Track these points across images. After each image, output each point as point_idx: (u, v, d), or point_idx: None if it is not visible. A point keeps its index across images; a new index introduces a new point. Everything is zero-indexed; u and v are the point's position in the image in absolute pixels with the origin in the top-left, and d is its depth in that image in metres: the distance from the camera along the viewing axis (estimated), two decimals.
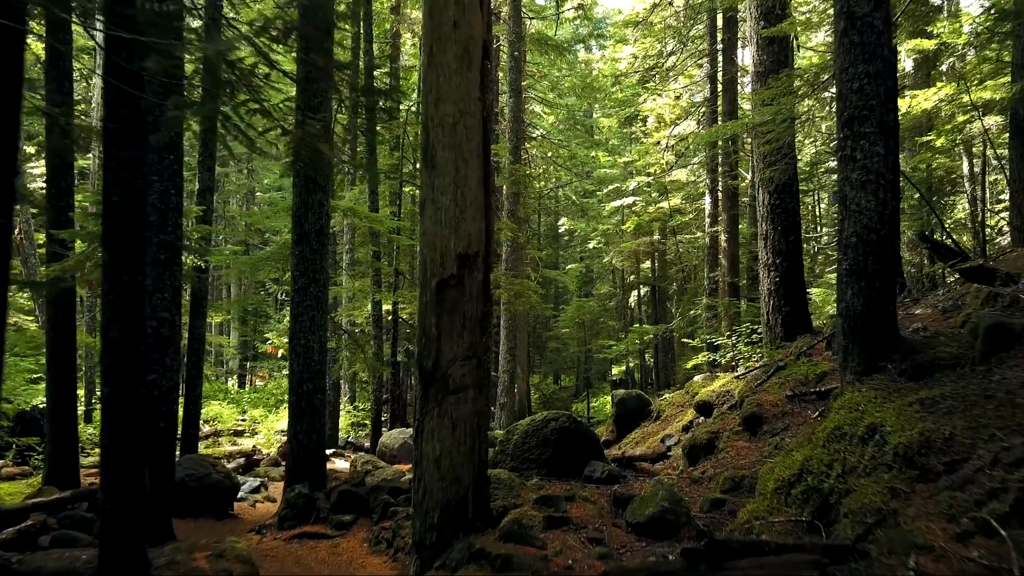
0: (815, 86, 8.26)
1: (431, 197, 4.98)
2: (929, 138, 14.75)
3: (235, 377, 28.68)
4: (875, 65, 5.05)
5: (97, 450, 12.31)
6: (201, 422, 20.29)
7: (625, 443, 10.63)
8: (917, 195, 13.78)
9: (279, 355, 24.15)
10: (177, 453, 12.91)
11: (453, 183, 4.94)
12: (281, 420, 20.81)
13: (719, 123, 19.22)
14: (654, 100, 22.33)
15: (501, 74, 22.14)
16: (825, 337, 8.33)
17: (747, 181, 21.34)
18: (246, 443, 17.92)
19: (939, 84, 13.34)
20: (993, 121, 14.48)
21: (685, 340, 19.66)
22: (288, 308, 20.04)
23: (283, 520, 8.69)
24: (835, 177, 20.12)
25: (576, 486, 6.50)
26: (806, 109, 9.56)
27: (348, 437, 19.53)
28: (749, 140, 21.89)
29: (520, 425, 7.36)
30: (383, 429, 17.60)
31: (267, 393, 26.56)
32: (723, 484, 5.96)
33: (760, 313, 17.43)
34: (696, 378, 13.70)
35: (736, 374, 9.65)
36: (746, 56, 21.88)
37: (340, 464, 16.37)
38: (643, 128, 25.99)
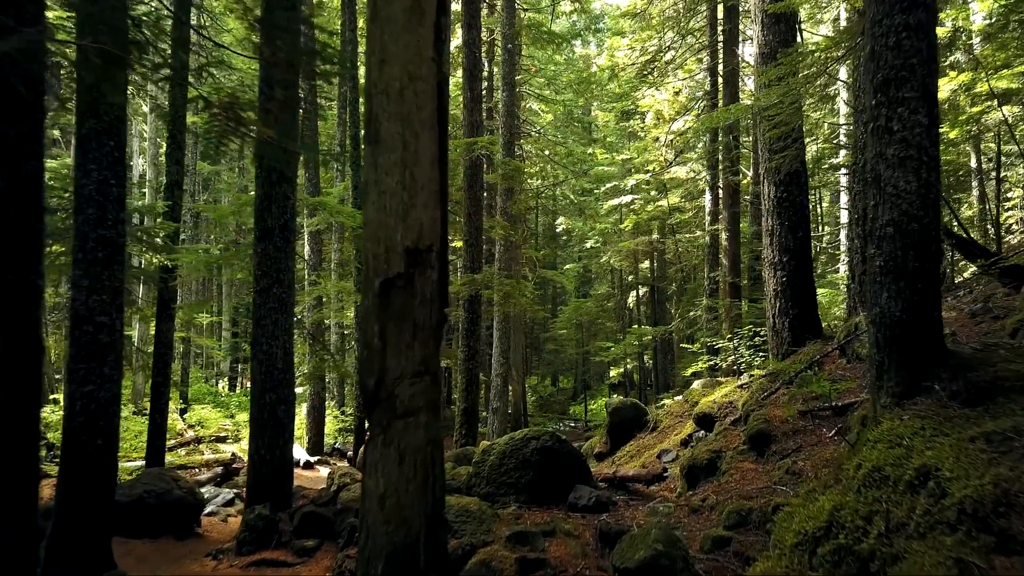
0: (827, 64, 7.34)
1: (374, 179, 4.05)
2: (941, 131, 13.85)
3: (226, 379, 27.80)
4: (915, 15, 4.13)
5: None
6: (185, 427, 19.45)
7: (619, 456, 9.72)
8: None
9: None
10: (142, 465, 12.08)
11: (400, 162, 4.01)
12: None
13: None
14: (652, 96, 21.42)
15: (496, 69, 21.23)
16: (839, 344, 7.41)
17: (748, 178, 20.42)
18: (227, 450, 17.03)
19: (952, 73, 12.44)
20: (1010, 112, 13.56)
21: (684, 345, 18.75)
22: (306, 308, 19.16)
23: (241, 545, 7.78)
24: (842, 172, 19.18)
25: (559, 516, 5.59)
26: (814, 94, 8.65)
27: (335, 443, 18.65)
28: (750, 138, 20.97)
29: (498, 444, 6.44)
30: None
31: None
32: (727, 517, 5.04)
33: (765, 316, 16.55)
34: (695, 384, 12.79)
35: (739, 382, 8.74)
36: (747, 50, 20.98)
37: (322, 472, 15.48)
38: (642, 125, 25.08)
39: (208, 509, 10.65)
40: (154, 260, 10.35)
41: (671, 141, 19.52)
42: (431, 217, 4.15)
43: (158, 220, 10.47)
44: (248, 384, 27.58)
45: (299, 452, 17.08)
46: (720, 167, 17.69)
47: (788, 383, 7.67)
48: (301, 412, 19.19)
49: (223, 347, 26.81)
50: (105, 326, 6.86)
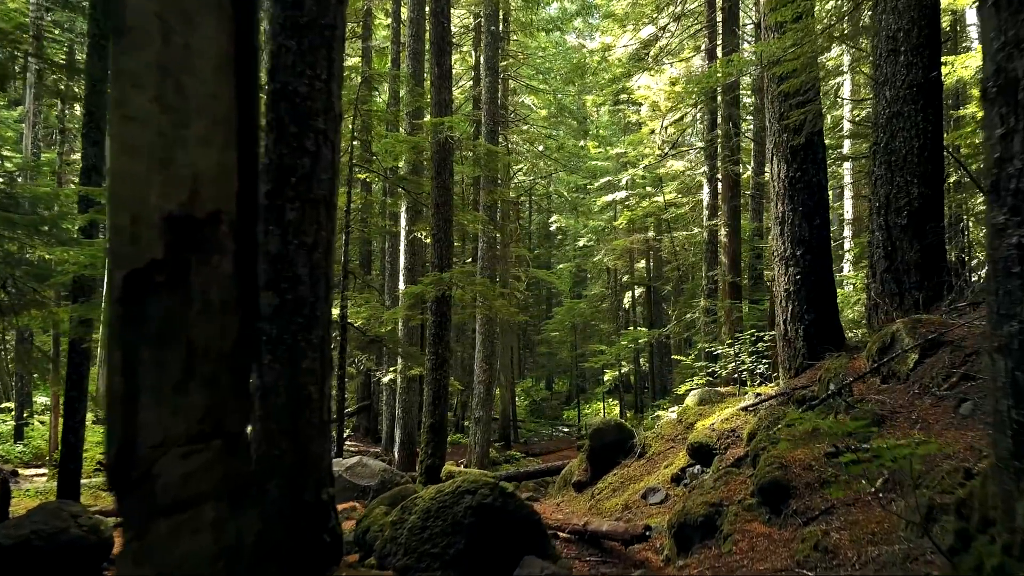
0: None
1: (118, 98, 2.28)
2: (967, 111, 12.09)
3: None
4: None
5: None
6: None
7: (600, 488, 7.96)
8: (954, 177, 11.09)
9: None
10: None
11: (157, 66, 2.21)
12: None
13: (719, 101, 16.55)
14: (647, 87, 19.65)
15: (479, 54, 19.50)
16: (878, 363, 5.64)
17: (749, 172, 18.68)
18: None
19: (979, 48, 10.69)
20: None
21: (676, 357, 16.94)
22: None
23: None
24: (846, 168, 17.37)
25: None
26: (841, 36, 6.91)
27: None
28: (752, 127, 19.23)
29: (421, 499, 4.70)
30: (344, 447, 14.98)
31: None
32: None
33: (773, 320, 14.76)
34: (690, 397, 11.06)
35: (743, 403, 6.98)
36: (748, 33, 19.22)
37: None
38: (637, 116, 23.31)
39: (111, 552, 8.91)
40: (59, 256, 8.63)
41: (667, 128, 17.75)
42: (218, 163, 2.33)
43: (57, 209, 8.73)
44: None
45: None
46: (719, 157, 15.93)
47: (806, 407, 5.91)
48: None
49: None
50: None
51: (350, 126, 12.58)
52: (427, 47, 13.05)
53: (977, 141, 10.60)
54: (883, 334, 5.90)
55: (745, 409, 6.76)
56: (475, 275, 17.01)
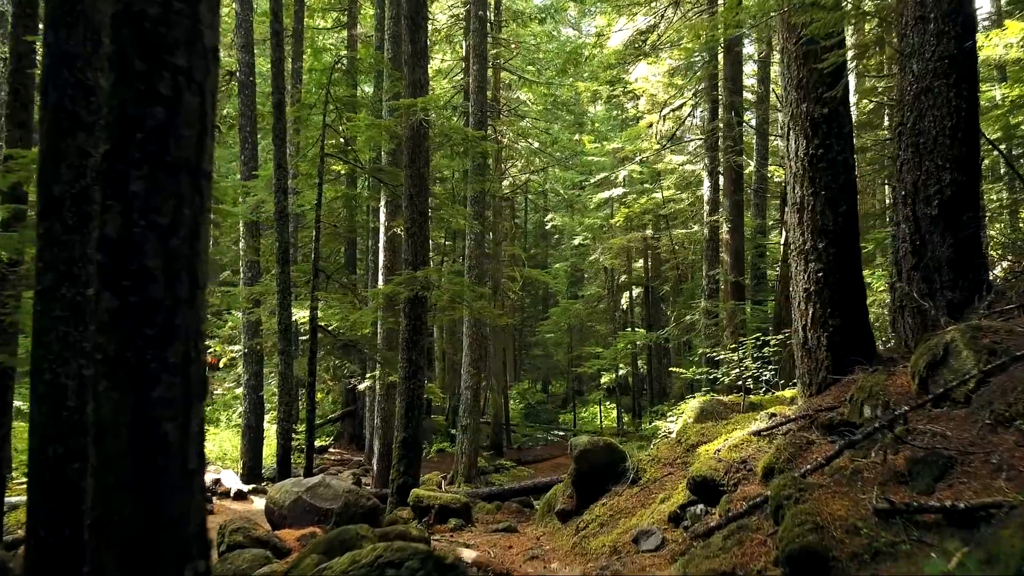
0: None
1: None
2: (1003, 91, 10.83)
3: None
4: None
5: None
6: None
7: (587, 519, 6.70)
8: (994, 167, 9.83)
9: (219, 365, 20.32)
10: None
11: None
12: (211, 441, 16.96)
13: (720, 93, 15.29)
14: (645, 79, 18.37)
15: (468, 42, 18.25)
16: (918, 377, 4.38)
17: (751, 168, 17.43)
18: None
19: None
20: None
21: (675, 369, 15.67)
22: (240, 309, 16.21)
23: None
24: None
25: None
26: None
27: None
28: (754, 119, 17.99)
29: (331, 569, 3.43)
30: (314, 461, 13.74)
31: (222, 404, 22.70)
32: None
33: (780, 324, 13.46)
34: (689, 408, 9.80)
35: (755, 427, 5.71)
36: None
37: (257, 504, 12.53)
38: (635, 109, 22.04)
39: None
40: None
41: (665, 117, 16.48)
42: None
43: None
44: (216, 391, 24.59)
45: (231, 480, 14.10)
46: (721, 149, 14.67)
47: (837, 436, 4.66)
48: (231, 433, 16.25)
49: None
50: None
51: (322, 114, 11.35)
52: None
53: (1015, 121, 9.34)
54: (932, 345, 4.63)
55: (757, 434, 5.50)
56: (463, 274, 15.77)
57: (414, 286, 9.61)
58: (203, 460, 3.63)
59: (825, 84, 5.81)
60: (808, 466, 4.08)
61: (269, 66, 12.97)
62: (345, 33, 19.26)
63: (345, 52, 19.18)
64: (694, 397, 10.38)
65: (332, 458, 18.14)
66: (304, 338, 12.35)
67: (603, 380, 23.70)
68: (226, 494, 13.55)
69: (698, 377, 11.36)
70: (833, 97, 5.74)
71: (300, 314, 12.42)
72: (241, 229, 14.22)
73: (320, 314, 12.30)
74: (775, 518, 3.81)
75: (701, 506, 5.17)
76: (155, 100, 3.10)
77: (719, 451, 5.69)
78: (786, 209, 6.38)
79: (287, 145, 13.23)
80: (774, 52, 15.56)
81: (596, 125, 24.35)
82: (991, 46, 9.66)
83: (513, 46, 19.29)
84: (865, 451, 3.99)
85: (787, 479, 3.87)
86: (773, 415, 5.79)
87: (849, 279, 5.79)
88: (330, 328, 12.75)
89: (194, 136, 3.21)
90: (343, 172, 15.90)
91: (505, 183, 22.50)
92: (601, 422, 24.72)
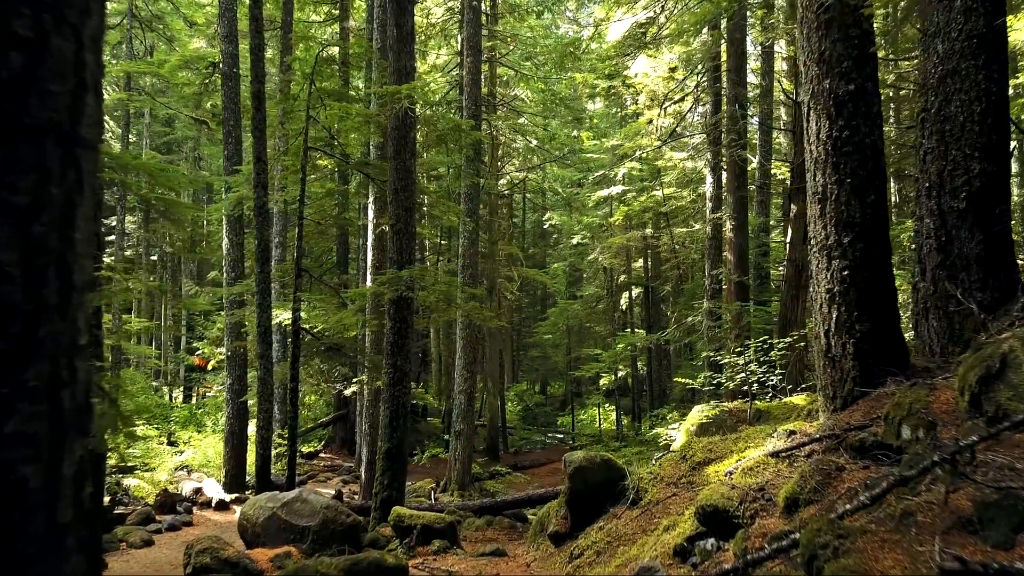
0: None
1: None
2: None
3: (180, 389, 24.11)
4: None
5: None
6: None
7: (582, 547, 5.97)
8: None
9: (208, 368, 19.60)
10: None
11: None
12: (195, 447, 16.25)
13: (724, 84, 14.56)
14: (645, 74, 17.64)
15: (462, 35, 17.52)
16: (969, 392, 3.65)
17: (754, 165, 16.70)
18: (131, 484, 13.37)
19: None
20: None
21: (679, 380, 14.93)
22: (224, 312, 15.49)
23: None
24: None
25: None
26: None
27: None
28: (758, 111, 17.24)
29: None
30: (296, 467, 13.05)
31: (214, 406, 21.96)
32: None
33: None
34: (692, 415, 9.09)
35: (771, 447, 4.97)
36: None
37: (235, 516, 11.81)
38: (634, 106, 21.29)
39: None
40: None
41: (666, 109, 15.73)
42: None
43: None
44: (208, 393, 23.84)
45: (213, 488, 13.38)
46: (724, 143, 13.94)
47: (874, 461, 3.94)
48: (216, 439, 15.51)
49: (177, 353, 23.16)
50: None
51: (306, 106, 10.59)
52: None
53: None
54: (986, 355, 3.89)
55: (776, 455, 4.76)
56: (457, 273, 15.04)
57: (399, 286, 8.88)
58: (88, 508, 2.86)
59: (851, 57, 5.08)
60: (845, 504, 3.34)
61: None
62: (338, 26, 18.52)
63: (337, 44, 18.46)
64: (695, 402, 9.65)
65: (323, 463, 17.41)
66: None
67: (602, 382, 22.97)
68: (207, 504, 12.82)
69: (704, 390, 10.62)
70: (861, 71, 5.00)
71: (284, 316, 11.71)
72: (224, 226, 13.50)
73: (304, 316, 11.59)
74: (808, 570, 3.08)
75: (712, 540, 4.43)
76: (10, 43, 2.35)
77: (731, 473, 4.96)
78: (808, 201, 5.63)
79: (268, 138, 12.51)
80: (778, 41, 14.86)
81: (595, 121, 23.61)
82: (1018, 28, 8.93)
83: (510, 40, 18.55)
84: (914, 486, 3.25)
85: (822, 523, 3.13)
86: (792, 433, 5.05)
87: (878, 278, 5.05)
88: (316, 330, 12.03)
89: (66, 94, 2.45)
90: (331, 168, 15.18)
91: (502, 182, 21.77)
92: (600, 424, 23.99)
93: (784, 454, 4.73)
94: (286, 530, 8.39)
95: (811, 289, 5.37)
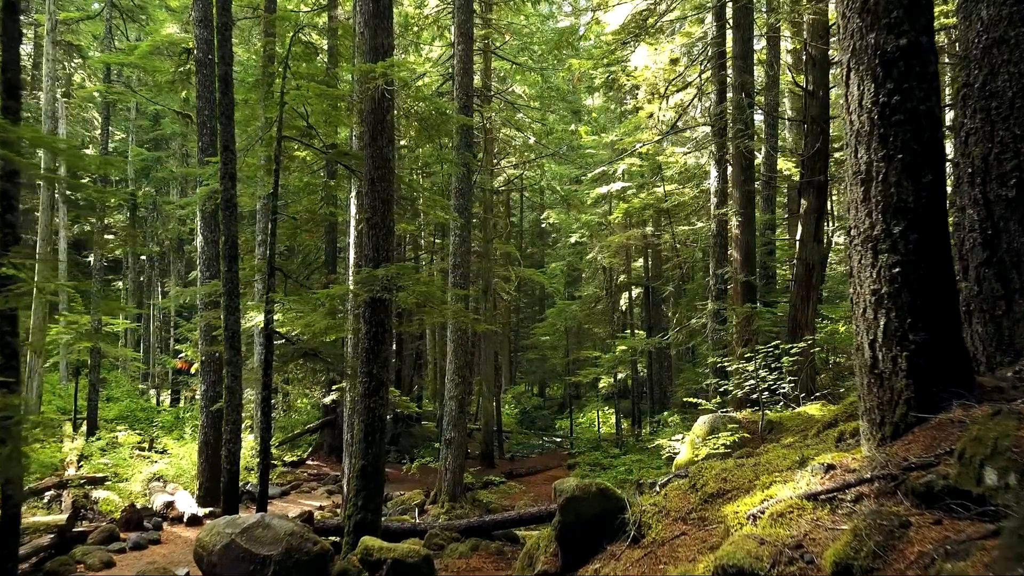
0: None
1: None
2: None
3: (168, 391, 23.10)
4: None
5: None
6: (72, 461, 14.77)
7: None
8: None
9: (191, 371, 18.60)
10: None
11: None
12: (171, 456, 15.23)
13: (729, 73, 13.53)
14: (646, 68, 16.63)
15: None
16: None
17: (759, 159, 15.70)
18: (99, 496, 12.35)
19: None
20: None
21: (688, 399, 13.95)
22: (203, 313, 14.51)
23: None
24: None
25: None
26: None
27: (245, 485, 13.93)
28: (764, 101, 16.24)
29: None
30: (268, 483, 12.07)
31: (200, 410, 20.91)
32: None
33: (796, 329, 11.70)
34: (697, 427, 8.07)
35: (806, 488, 3.96)
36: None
37: (191, 534, 10.80)
38: (634, 100, 20.27)
39: None
40: None
41: (668, 97, 14.72)
42: None
43: None
44: (194, 396, 22.76)
45: (186, 502, 12.38)
46: (730, 135, 12.92)
47: (942, 512, 2.94)
48: (193, 448, 14.49)
49: (163, 355, 22.14)
50: None
51: (280, 91, 9.58)
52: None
53: None
54: None
55: (813, 497, 3.75)
56: (447, 273, 14.04)
57: (374, 286, 7.87)
58: None
59: (901, 5, 4.07)
60: (894, 545, 2.33)
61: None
62: (326, 16, 17.52)
63: (326, 37, 17.48)
64: (698, 407, 8.66)
65: (308, 472, 16.40)
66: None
67: (601, 385, 21.94)
68: (179, 519, 11.83)
69: (710, 404, 9.61)
70: (914, 22, 4.00)
71: (259, 318, 10.70)
72: (198, 222, 12.50)
73: (279, 317, 10.59)
74: None
75: None
76: None
77: (755, 518, 3.95)
78: (849, 183, 4.62)
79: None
80: (784, 26, 13.83)
81: (594, 116, 22.59)
82: None
83: (505, 31, 17.54)
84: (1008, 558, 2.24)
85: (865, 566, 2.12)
86: (831, 468, 4.03)
87: (937, 276, 4.03)
88: (293, 334, 11.02)
89: None
90: (311, 160, 14.17)
91: (499, 178, 20.76)
92: (599, 429, 22.96)
93: (824, 497, 3.72)
94: (245, 559, 7.35)
95: (851, 290, 4.35)
